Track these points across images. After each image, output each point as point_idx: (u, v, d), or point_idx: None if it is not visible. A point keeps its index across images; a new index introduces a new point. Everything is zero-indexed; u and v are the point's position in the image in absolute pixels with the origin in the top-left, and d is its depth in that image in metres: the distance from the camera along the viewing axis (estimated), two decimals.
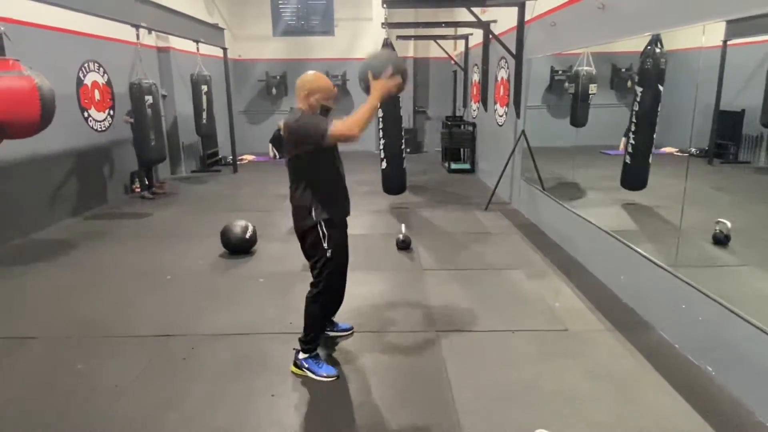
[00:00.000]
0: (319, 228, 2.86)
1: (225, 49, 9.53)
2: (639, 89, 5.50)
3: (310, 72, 2.85)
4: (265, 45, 12.66)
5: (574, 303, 3.87)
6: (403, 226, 5.28)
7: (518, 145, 6.61)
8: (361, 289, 4.16)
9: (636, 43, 5.10)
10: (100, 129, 7.31)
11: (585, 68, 7.19)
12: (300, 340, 3.03)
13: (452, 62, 11.66)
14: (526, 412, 2.61)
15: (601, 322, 3.54)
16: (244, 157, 11.73)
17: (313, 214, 2.83)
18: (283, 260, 4.88)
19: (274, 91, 12.74)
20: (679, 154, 6.15)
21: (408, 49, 12.52)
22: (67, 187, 6.59)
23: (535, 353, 3.17)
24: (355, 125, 2.57)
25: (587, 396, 2.74)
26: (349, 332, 3.47)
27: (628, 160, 5.73)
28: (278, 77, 12.71)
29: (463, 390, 2.80)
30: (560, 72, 7.95)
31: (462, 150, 10.33)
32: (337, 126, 2.60)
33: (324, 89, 2.78)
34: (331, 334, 3.42)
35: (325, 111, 2.81)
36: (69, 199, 6.60)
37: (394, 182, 6.33)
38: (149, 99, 6.20)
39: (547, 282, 4.29)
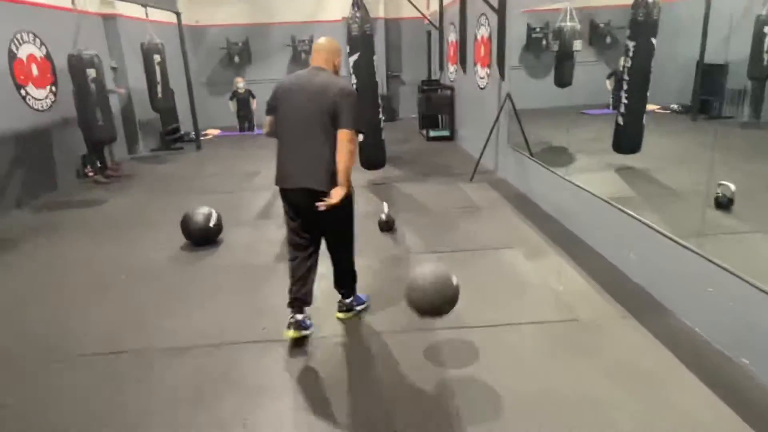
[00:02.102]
0: (348, 195, 2.82)
1: (178, 14, 8.69)
2: (630, 43, 5.07)
3: (325, 37, 2.98)
4: (223, 9, 11.75)
5: (580, 285, 3.49)
6: (385, 204, 4.81)
7: (503, 109, 6.14)
8: None
9: None
10: (41, 108, 6.55)
11: (568, 23, 6.72)
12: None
13: (426, 21, 10.99)
14: (543, 425, 2.23)
15: (613, 308, 3.17)
16: (208, 132, 10.98)
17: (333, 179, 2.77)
18: (254, 250, 4.37)
19: (236, 59, 11.90)
20: (660, 111, 5.83)
21: (378, 9, 11.77)
22: (8, 175, 5.89)
23: (545, 350, 2.79)
24: (351, 157, 2.74)
25: (610, 400, 2.37)
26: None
27: (620, 121, 5.34)
28: (240, 44, 11.86)
29: (468, 402, 2.41)
30: (537, 29, 7.48)
31: (440, 116, 9.81)
32: (353, 139, 2.75)
33: (341, 53, 2.96)
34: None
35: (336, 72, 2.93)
36: (10, 188, 5.91)
37: (372, 156, 5.82)
38: (91, 73, 5.49)
39: (547, 261, 3.90)
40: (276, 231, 4.82)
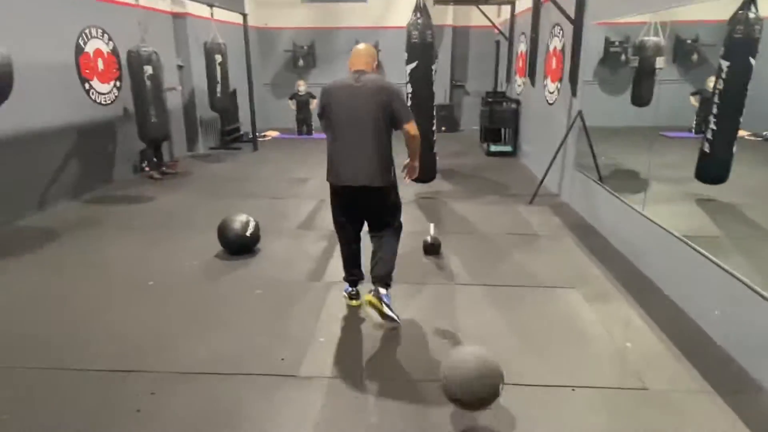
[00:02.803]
0: (394, 186, 3.18)
1: (245, 15, 8.70)
2: (725, 63, 4.44)
3: (363, 44, 3.22)
4: (292, 12, 11.77)
5: (652, 344, 2.96)
6: (432, 225, 4.43)
7: (573, 127, 5.60)
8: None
9: (703, 10, 4.17)
10: (104, 102, 6.66)
11: (651, 38, 6.09)
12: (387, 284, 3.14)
13: (496, 31, 10.52)
14: None
15: (691, 377, 2.64)
16: (267, 133, 11.00)
17: (392, 173, 3.10)
18: (290, 264, 4.12)
19: (301, 62, 11.90)
20: (751, 137, 5.16)
21: (446, 17, 11.41)
22: (66, 166, 5.99)
23: (604, 426, 2.32)
24: (418, 142, 3.11)
25: None
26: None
27: (706, 149, 4.72)
28: (305, 47, 11.84)
29: None
30: (616, 43, 6.89)
31: (503, 130, 9.29)
32: (414, 125, 3.03)
33: (376, 57, 3.20)
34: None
35: None
36: (67, 179, 6.00)
37: (421, 168, 5.44)
38: (148, 69, 5.48)
39: (612, 309, 3.38)
40: (315, 243, 4.56)
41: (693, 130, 6.14)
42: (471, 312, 3.33)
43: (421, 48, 5.20)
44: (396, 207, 3.24)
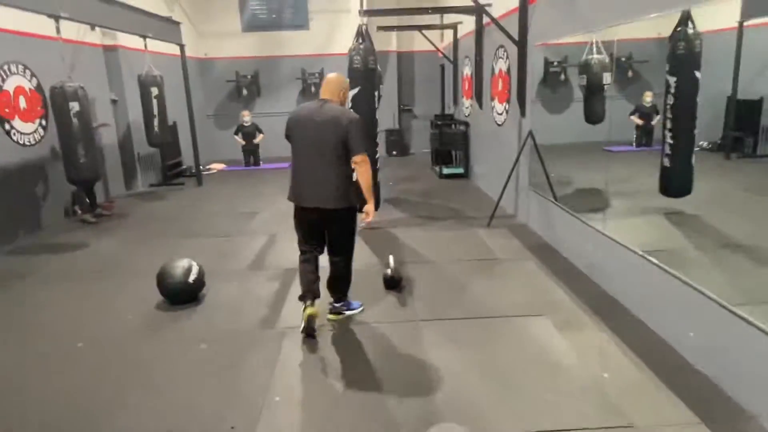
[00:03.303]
0: (353, 211, 3.33)
1: (182, 46, 8.35)
2: (672, 79, 4.51)
3: (335, 73, 3.43)
4: (233, 42, 11.49)
5: (629, 373, 2.81)
6: (391, 258, 4.20)
7: (524, 147, 5.56)
8: (334, 357, 3.07)
9: (635, 29, 4.26)
10: (28, 143, 6.12)
11: (596, 56, 6.21)
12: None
13: (440, 54, 10.60)
14: None
15: (678, 410, 2.48)
16: (212, 166, 10.57)
17: (350, 199, 3.25)
18: (239, 311, 3.77)
19: (244, 92, 11.57)
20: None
21: (390, 42, 11.44)
22: None
23: None
24: (367, 178, 3.22)
25: None
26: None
27: (667, 163, 4.75)
28: (249, 77, 11.54)
29: None
30: (555, 63, 7.02)
31: (454, 152, 9.27)
32: (366, 161, 3.20)
33: (348, 87, 3.43)
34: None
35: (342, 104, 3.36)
36: None
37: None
38: (75, 106, 5.04)
39: (584, 336, 3.24)
40: (267, 284, 4.24)
41: (634, 144, 6.27)
42: (438, 352, 3.10)
43: (363, 73, 5.05)
44: (352, 233, 3.41)
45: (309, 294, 3.31)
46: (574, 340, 3.18)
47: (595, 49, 6.18)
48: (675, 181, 4.59)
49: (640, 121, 6.37)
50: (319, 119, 3.17)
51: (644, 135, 6.27)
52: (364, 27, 5.31)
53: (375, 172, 5.21)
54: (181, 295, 3.85)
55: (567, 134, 6.39)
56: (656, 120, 5.96)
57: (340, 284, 3.52)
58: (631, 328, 3.28)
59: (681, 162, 4.49)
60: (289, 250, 5.09)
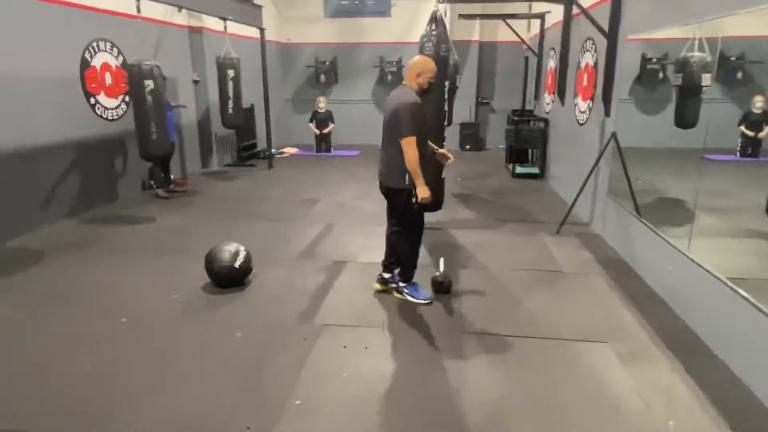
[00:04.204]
0: (403, 191, 3.42)
1: (262, 30, 8.45)
2: None
3: (419, 56, 3.56)
4: (315, 27, 11.54)
5: (702, 425, 2.38)
6: (441, 261, 3.93)
7: (606, 150, 5.04)
8: (367, 363, 2.88)
9: (750, 26, 3.80)
10: (111, 117, 6.44)
11: (696, 54, 5.52)
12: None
13: (524, 46, 10.02)
14: None
15: None
16: (285, 150, 10.72)
17: (403, 179, 3.38)
18: (280, 301, 3.68)
19: (322, 78, 11.63)
20: None
21: (473, 32, 10.99)
22: (66, 183, 5.75)
23: None
24: (410, 160, 3.27)
25: None
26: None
27: None
28: (327, 63, 11.58)
29: None
30: (654, 60, 6.33)
31: (530, 151, 8.74)
32: (408, 144, 3.25)
33: (431, 70, 3.38)
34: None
35: (430, 87, 3.42)
36: (67, 197, 5.75)
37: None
38: (149, 84, 5.18)
39: (651, 373, 2.81)
40: (313, 275, 4.12)
41: (738, 153, 5.55)
42: (480, 372, 2.82)
43: (435, 62, 4.74)
44: (405, 212, 3.50)
45: (384, 262, 3.75)
46: (639, 375, 2.77)
47: (696, 46, 5.50)
48: None
49: (751, 133, 5.61)
50: (388, 103, 3.43)
51: (751, 145, 5.53)
52: (438, 13, 5.01)
53: (440, 167, 4.95)
54: (227, 279, 3.82)
55: (662, 138, 5.77)
56: (766, 131, 5.24)
57: (391, 254, 3.69)
58: (710, 371, 2.81)
59: None
60: (341, 242, 4.98)
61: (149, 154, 5.48)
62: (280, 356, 2.95)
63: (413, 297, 3.62)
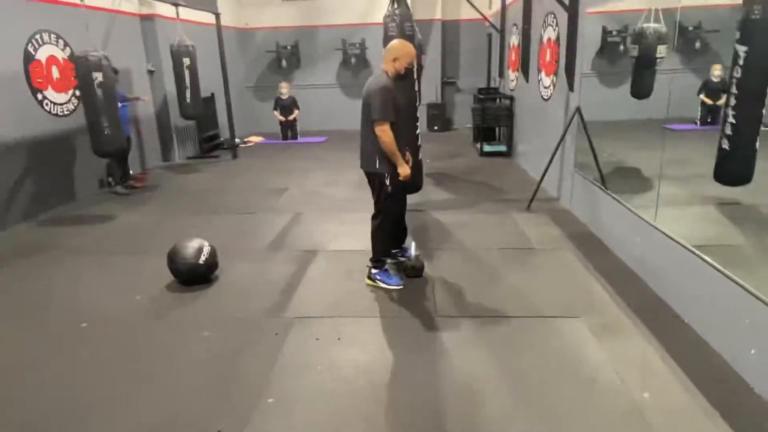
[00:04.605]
0: (378, 176, 3.41)
1: (217, 15, 8.14)
2: (741, 49, 3.87)
3: (397, 40, 3.43)
4: (274, 11, 11.22)
5: (676, 394, 2.41)
6: (413, 244, 3.87)
7: (571, 125, 5.05)
8: (341, 355, 2.82)
9: None
10: (61, 113, 6.13)
11: (651, 25, 5.56)
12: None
13: (486, 24, 9.96)
14: None
15: None
16: (250, 139, 10.47)
17: (378, 163, 3.35)
18: (249, 295, 3.57)
19: (284, 63, 11.34)
20: (764, 129, 4.65)
21: (435, 10, 10.86)
22: (20, 185, 5.46)
23: None
24: (386, 143, 3.23)
25: None
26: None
27: (726, 145, 4.12)
28: (289, 47, 11.29)
29: None
30: (614, 32, 6.37)
31: (497, 129, 8.75)
32: (381, 129, 3.20)
33: (407, 54, 3.28)
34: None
35: (407, 72, 3.34)
36: (22, 199, 5.47)
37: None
38: (98, 76, 4.91)
39: (624, 345, 2.83)
40: (283, 267, 4.02)
41: (698, 122, 5.65)
42: (457, 355, 2.79)
43: None
44: (380, 194, 3.44)
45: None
46: (612, 348, 2.79)
47: (652, 18, 5.54)
48: (733, 167, 3.99)
49: (710, 101, 5.71)
50: (364, 87, 3.36)
51: (710, 113, 5.63)
52: None
53: (417, 148, 4.89)
54: (192, 276, 3.69)
55: (624, 110, 5.83)
56: (724, 98, 5.31)
57: (371, 241, 3.63)
58: (681, 338, 2.84)
59: (743, 145, 3.89)
60: (311, 231, 4.87)
61: (103, 150, 5.23)
62: (250, 353, 2.86)
63: (385, 283, 3.57)
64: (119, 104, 5.57)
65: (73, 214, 5.72)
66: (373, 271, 3.62)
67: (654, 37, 5.36)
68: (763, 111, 4.03)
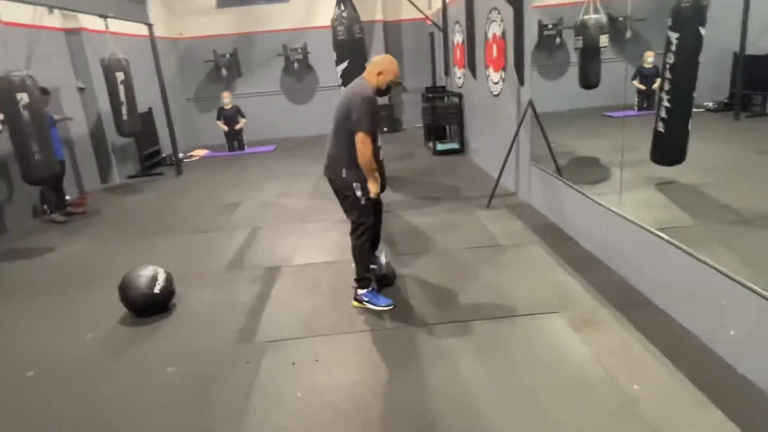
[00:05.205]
0: (348, 187, 3.21)
1: (150, 26, 7.73)
2: (673, 35, 4.02)
3: (384, 55, 3.30)
4: (209, 19, 10.83)
5: (664, 383, 2.40)
6: (383, 252, 3.75)
7: (525, 118, 5.08)
8: (321, 378, 2.66)
9: None
10: None
11: (593, 16, 5.72)
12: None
13: (428, 23, 9.99)
14: None
15: (726, 429, 2.09)
16: (194, 153, 10.05)
17: (347, 174, 3.18)
18: (213, 322, 3.34)
19: (224, 72, 10.95)
20: (694, 109, 4.86)
21: (375, 12, 10.80)
22: None
23: None
24: (364, 155, 3.06)
25: None
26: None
27: (661, 128, 4.30)
28: (228, 55, 10.91)
29: None
30: (550, 26, 6.52)
31: (448, 127, 8.76)
32: (363, 140, 3.04)
33: (393, 72, 3.18)
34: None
35: (388, 89, 3.23)
36: None
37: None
38: (23, 97, 4.50)
39: (605, 337, 2.82)
40: (246, 288, 3.80)
41: (636, 108, 5.84)
42: (442, 365, 2.69)
43: (350, 44, 4.52)
44: (351, 206, 3.27)
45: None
46: (594, 341, 2.77)
47: (592, 9, 5.68)
48: (668, 148, 4.13)
49: (642, 87, 5.91)
50: (342, 94, 3.26)
51: (646, 98, 5.83)
52: None
53: (377, 150, 4.78)
54: (147, 307, 3.41)
55: (564, 101, 5.97)
56: (658, 83, 5.53)
57: (355, 263, 3.38)
58: (658, 324, 2.87)
59: (677, 127, 4.03)
60: (272, 245, 4.66)
61: (34, 177, 4.80)
62: (222, 386, 2.65)
63: (374, 305, 3.33)
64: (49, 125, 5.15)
65: (6, 248, 5.24)
66: (360, 292, 3.37)
67: (596, 27, 5.51)
68: (694, 94, 4.20)
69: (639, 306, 3.08)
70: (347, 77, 4.67)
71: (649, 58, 6.05)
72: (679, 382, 2.39)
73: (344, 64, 4.66)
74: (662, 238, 3.01)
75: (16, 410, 2.60)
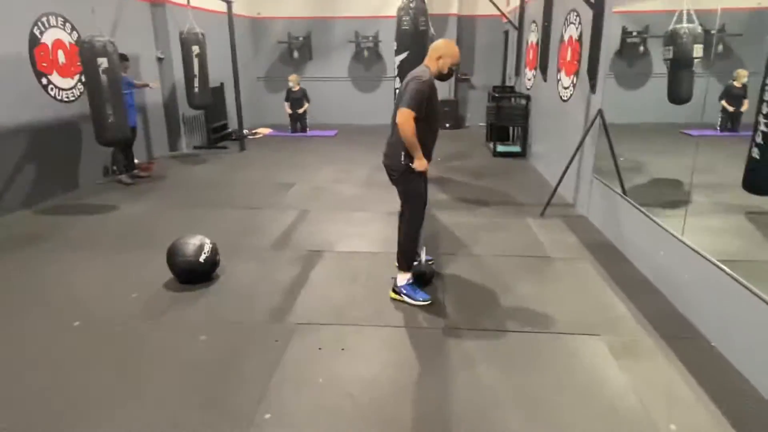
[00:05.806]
0: (402, 173, 3.20)
1: (230, 3, 7.96)
2: None
3: (443, 39, 3.28)
4: (287, 1, 11.03)
5: (706, 427, 2.22)
6: (423, 250, 3.69)
7: (592, 128, 4.84)
8: (345, 367, 2.65)
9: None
10: (67, 98, 5.99)
11: (685, 25, 5.34)
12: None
13: (504, 20, 9.72)
14: None
15: None
16: (259, 130, 10.31)
17: (402, 160, 3.16)
18: (251, 298, 3.41)
19: (296, 54, 11.17)
20: None
21: (451, 5, 10.63)
22: (21, 170, 5.34)
23: None
24: (405, 131, 3.01)
25: None
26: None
27: (756, 154, 3.95)
28: (301, 38, 11.11)
29: None
30: (634, 33, 6.15)
31: (512, 128, 8.52)
32: (404, 115, 2.99)
33: (452, 55, 3.16)
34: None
35: (450, 73, 3.19)
36: (22, 186, 5.35)
37: None
38: (103, 62, 4.76)
39: (647, 369, 2.64)
40: (287, 267, 3.86)
41: (718, 128, 5.42)
42: (467, 372, 2.61)
43: (412, 36, 4.46)
44: (406, 194, 3.28)
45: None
46: (634, 372, 2.60)
47: (685, 18, 5.31)
48: (763, 176, 3.78)
49: (731, 108, 5.48)
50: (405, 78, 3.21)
51: (730, 119, 5.41)
52: None
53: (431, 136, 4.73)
54: (191, 274, 3.53)
55: (641, 113, 5.62)
56: (746, 104, 5.12)
57: (399, 252, 3.41)
58: (708, 363, 2.65)
59: None
60: (317, 229, 4.71)
61: (106, 139, 5.09)
62: (248, 361, 2.70)
63: (411, 298, 3.29)
64: (126, 91, 5.43)
65: (74, 203, 5.59)
66: (400, 284, 3.34)
67: (689, 37, 5.13)
68: None
69: (689, 340, 2.87)
70: (404, 68, 4.61)
71: (743, 78, 5.61)
72: (722, 428, 2.20)
73: (403, 55, 4.60)
74: (725, 271, 2.78)
75: (61, 356, 2.76)
